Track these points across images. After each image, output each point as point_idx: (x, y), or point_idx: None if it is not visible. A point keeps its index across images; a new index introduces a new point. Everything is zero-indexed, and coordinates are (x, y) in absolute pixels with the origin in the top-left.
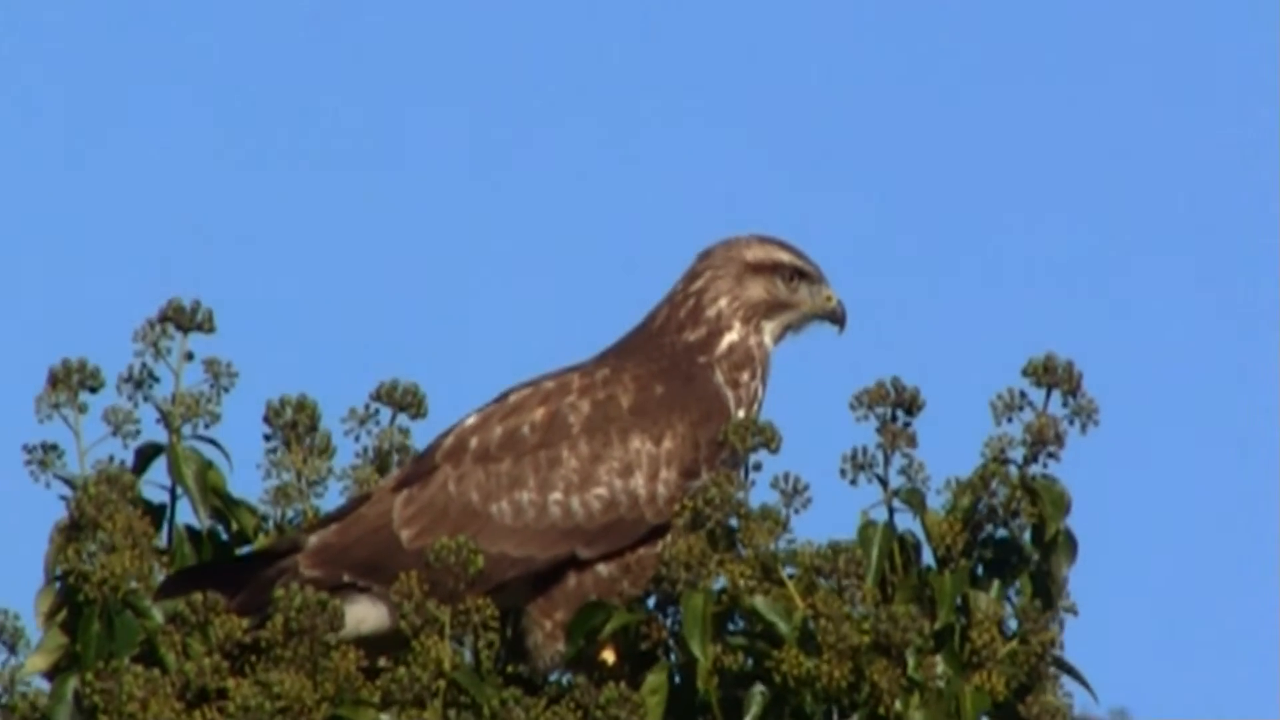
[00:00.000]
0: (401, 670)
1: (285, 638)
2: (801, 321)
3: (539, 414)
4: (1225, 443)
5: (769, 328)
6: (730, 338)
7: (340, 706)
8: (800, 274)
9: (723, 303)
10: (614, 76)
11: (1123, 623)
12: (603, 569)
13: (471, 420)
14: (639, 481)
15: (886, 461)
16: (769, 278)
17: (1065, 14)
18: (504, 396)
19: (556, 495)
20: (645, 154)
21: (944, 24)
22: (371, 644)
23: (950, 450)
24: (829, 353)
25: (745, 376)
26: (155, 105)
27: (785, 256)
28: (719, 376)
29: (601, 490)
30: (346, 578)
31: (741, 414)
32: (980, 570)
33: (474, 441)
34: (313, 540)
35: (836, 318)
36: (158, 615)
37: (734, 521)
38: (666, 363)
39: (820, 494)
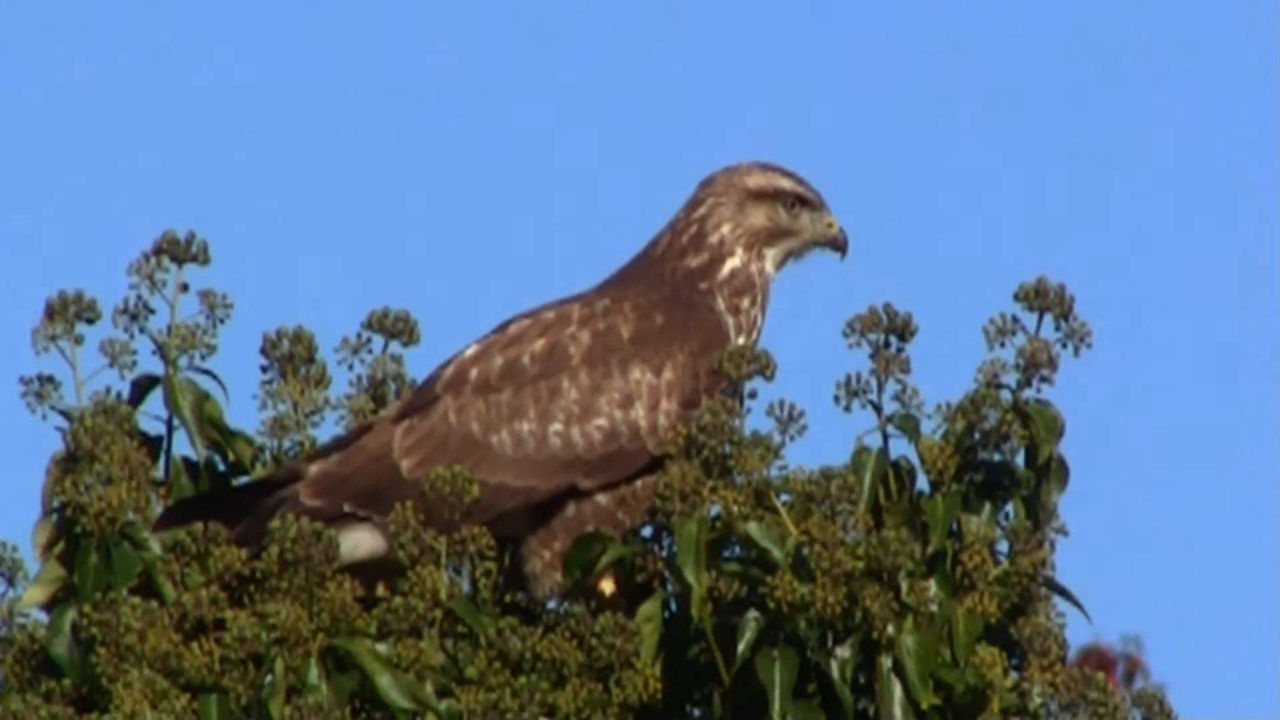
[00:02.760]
0: (398, 600)
1: (281, 568)
2: (803, 249)
3: (539, 345)
4: (1219, 364)
5: (770, 255)
6: (732, 264)
7: (336, 637)
8: (802, 201)
9: (725, 229)
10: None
11: (1117, 548)
12: (602, 499)
13: (471, 351)
14: (639, 412)
15: (880, 388)
16: (771, 204)
17: None
18: (504, 327)
19: (557, 426)
20: (642, 72)
21: None
22: (369, 571)
23: (943, 376)
24: (820, 279)
25: (746, 303)
26: (149, 40)
27: (787, 183)
28: (720, 304)
29: (602, 421)
30: (347, 507)
31: (741, 341)
32: (972, 495)
33: (474, 372)
34: (313, 470)
35: (838, 245)
36: (155, 547)
37: (727, 449)
38: (668, 290)
39: (815, 421)
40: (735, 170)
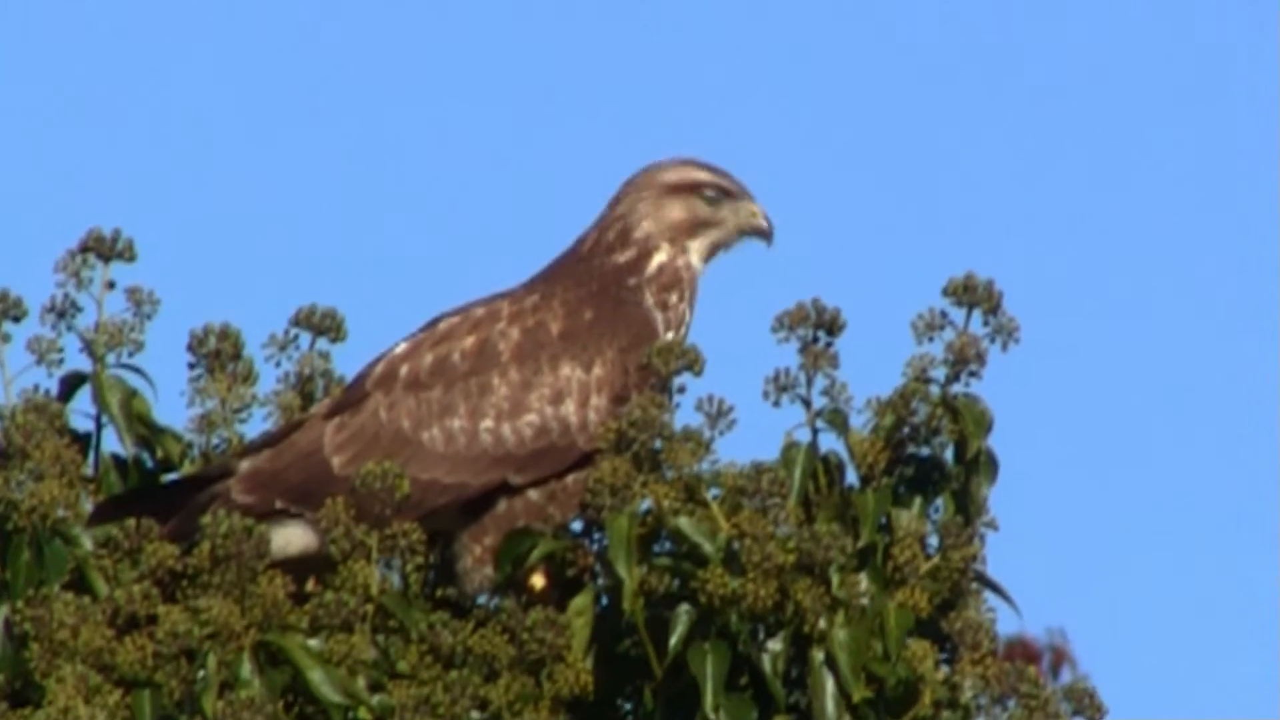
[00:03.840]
0: (329, 595)
1: (212, 564)
2: (728, 239)
3: (469, 341)
4: (1147, 360)
5: (695, 247)
6: (659, 259)
7: (268, 632)
8: (722, 191)
9: (647, 224)
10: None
11: (1044, 541)
12: (533, 494)
13: (402, 348)
14: (570, 408)
15: (809, 383)
16: (689, 198)
17: None
18: (434, 323)
19: (488, 422)
20: (568, 69)
21: None
22: (301, 567)
23: (872, 371)
24: (750, 273)
25: (673, 299)
26: (66, 32)
27: (704, 175)
28: (648, 299)
29: (533, 417)
30: (279, 504)
31: (670, 337)
32: (902, 489)
33: (404, 369)
34: (244, 466)
35: (763, 233)
36: (87, 543)
37: (658, 443)
38: (596, 286)
39: (744, 416)
40: (654, 167)
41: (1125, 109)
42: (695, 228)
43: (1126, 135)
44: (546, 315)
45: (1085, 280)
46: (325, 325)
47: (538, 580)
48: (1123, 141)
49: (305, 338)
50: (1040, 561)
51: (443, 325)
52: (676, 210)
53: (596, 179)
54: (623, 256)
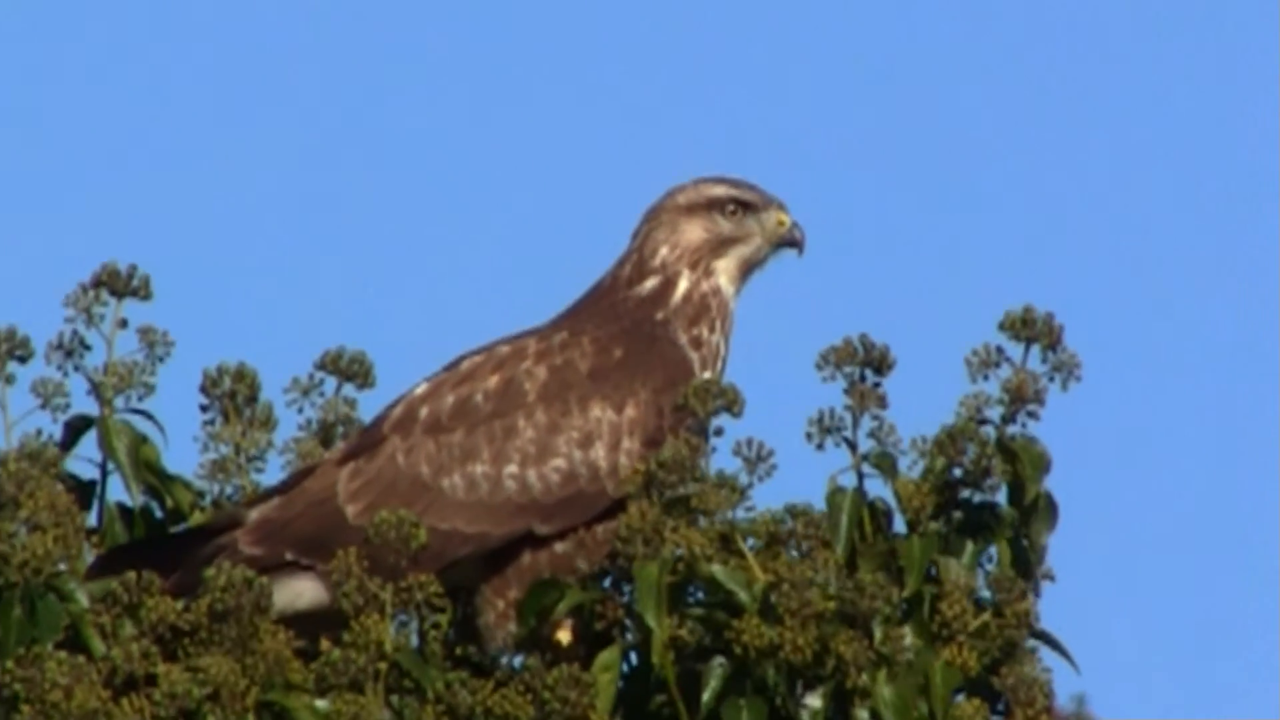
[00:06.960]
0: (336, 652)
1: (211, 619)
2: (757, 253)
3: (493, 381)
4: (1217, 400)
5: (723, 267)
6: (683, 286)
7: (271, 691)
8: (742, 205)
9: (664, 250)
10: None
11: (1103, 594)
12: (560, 546)
13: (421, 389)
14: (600, 452)
15: (855, 424)
16: (706, 215)
17: None
18: (456, 363)
19: (512, 468)
20: (597, 100)
21: None
22: (317, 623)
23: (923, 412)
24: (793, 307)
25: (705, 331)
26: (86, 65)
27: (720, 191)
28: (682, 338)
29: (560, 462)
30: (289, 555)
31: (707, 375)
32: (952, 535)
33: (424, 411)
34: (253, 515)
35: (794, 241)
36: (83, 599)
37: (689, 487)
38: (627, 323)
39: (786, 459)
40: (670, 191)
41: (1197, 140)
42: (719, 246)
43: (1199, 164)
44: (575, 353)
45: (1152, 313)
46: (352, 370)
47: (564, 636)
48: (1196, 169)
49: (331, 382)
50: (1087, 614)
51: (465, 365)
52: (695, 231)
53: (631, 210)
54: (645, 288)
